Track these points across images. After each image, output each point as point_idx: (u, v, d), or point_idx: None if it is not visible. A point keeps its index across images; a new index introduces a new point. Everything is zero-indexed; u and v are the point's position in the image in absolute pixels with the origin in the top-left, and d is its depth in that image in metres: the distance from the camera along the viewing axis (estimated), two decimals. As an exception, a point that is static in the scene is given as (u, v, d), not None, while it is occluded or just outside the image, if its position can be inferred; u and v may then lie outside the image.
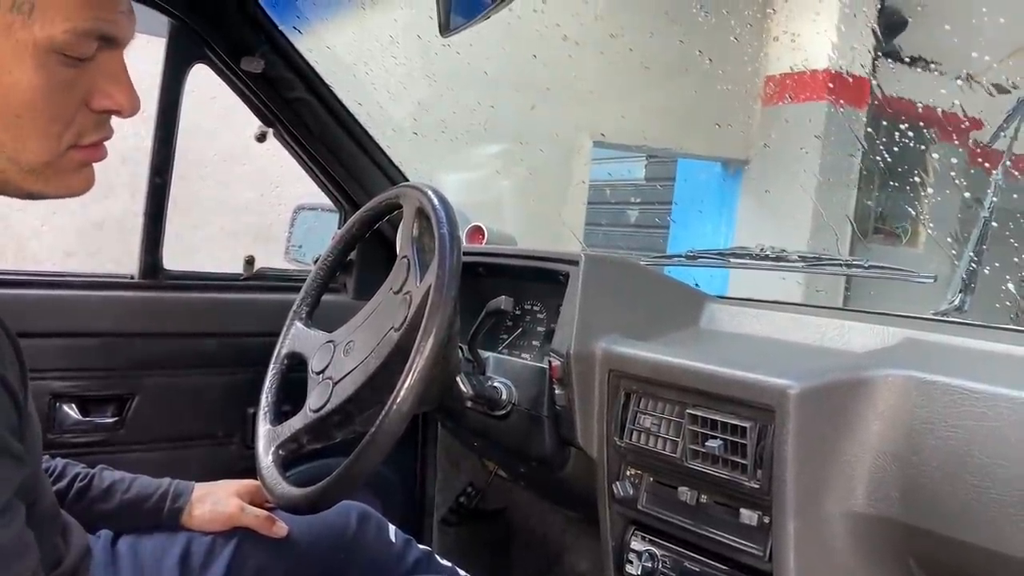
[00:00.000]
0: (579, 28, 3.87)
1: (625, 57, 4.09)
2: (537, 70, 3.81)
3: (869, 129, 4.76)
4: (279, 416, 1.22)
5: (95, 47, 0.71)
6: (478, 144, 4.09)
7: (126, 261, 1.70)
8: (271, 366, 1.28)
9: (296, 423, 1.15)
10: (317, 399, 1.14)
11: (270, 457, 1.15)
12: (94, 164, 0.76)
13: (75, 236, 4.29)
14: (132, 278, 1.59)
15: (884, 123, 4.41)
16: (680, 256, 1.54)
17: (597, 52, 4.04)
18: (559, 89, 4.07)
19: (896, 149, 4.24)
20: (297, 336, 1.30)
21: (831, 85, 4.65)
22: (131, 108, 0.74)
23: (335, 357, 1.18)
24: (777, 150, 4.92)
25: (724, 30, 4.33)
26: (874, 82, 4.64)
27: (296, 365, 1.26)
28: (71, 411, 1.49)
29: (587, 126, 4.62)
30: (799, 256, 1.36)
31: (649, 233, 6.22)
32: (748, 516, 0.99)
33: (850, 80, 4.71)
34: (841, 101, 4.66)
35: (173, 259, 1.63)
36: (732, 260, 1.45)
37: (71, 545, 0.96)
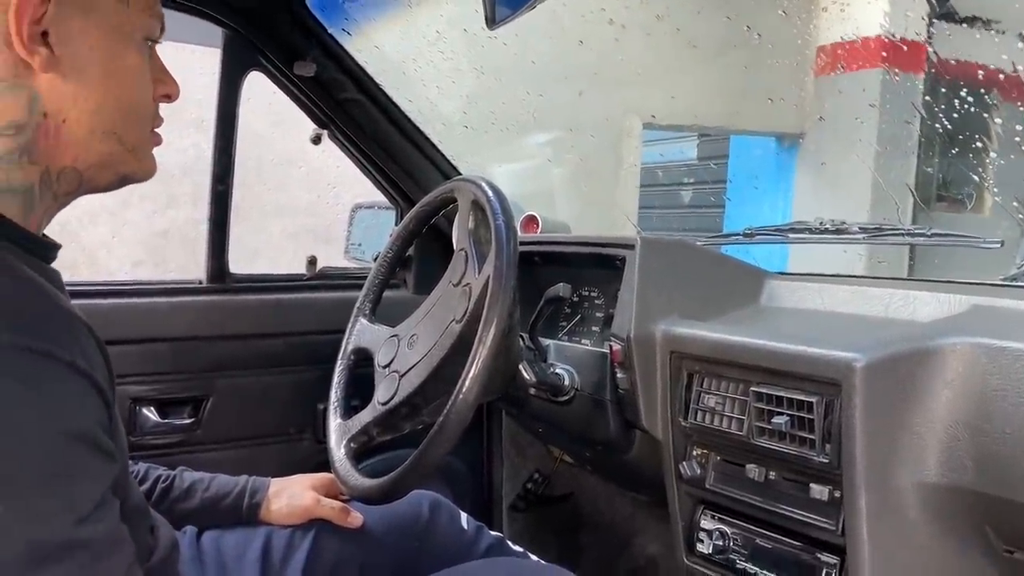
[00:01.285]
0: (624, 11, 3.84)
1: (672, 37, 4.04)
2: (584, 56, 3.80)
3: (927, 97, 4.62)
4: (349, 410, 1.25)
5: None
6: (528, 134, 4.09)
7: (191, 267, 1.75)
8: (338, 362, 1.32)
9: (366, 416, 1.18)
10: (384, 392, 1.17)
11: (342, 450, 1.18)
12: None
13: (142, 246, 4.44)
14: (201, 283, 1.64)
15: (943, 88, 4.27)
16: (737, 234, 1.52)
17: (644, 34, 4.01)
18: (607, 74, 4.05)
19: (956, 114, 4.11)
20: (362, 332, 1.32)
21: (885, 53, 4.53)
22: (178, 93, 0.84)
23: (400, 351, 1.20)
24: (833, 121, 4.81)
25: (772, 4, 4.24)
26: (930, 47, 4.50)
27: (362, 360, 1.29)
28: (150, 414, 1.55)
29: (637, 109, 4.58)
30: (859, 228, 1.34)
31: (704, 213, 6.15)
32: (818, 491, 0.99)
33: (905, 46, 4.57)
34: (896, 68, 4.53)
35: (237, 263, 1.67)
36: (791, 235, 1.43)
37: (160, 539, 1.00)
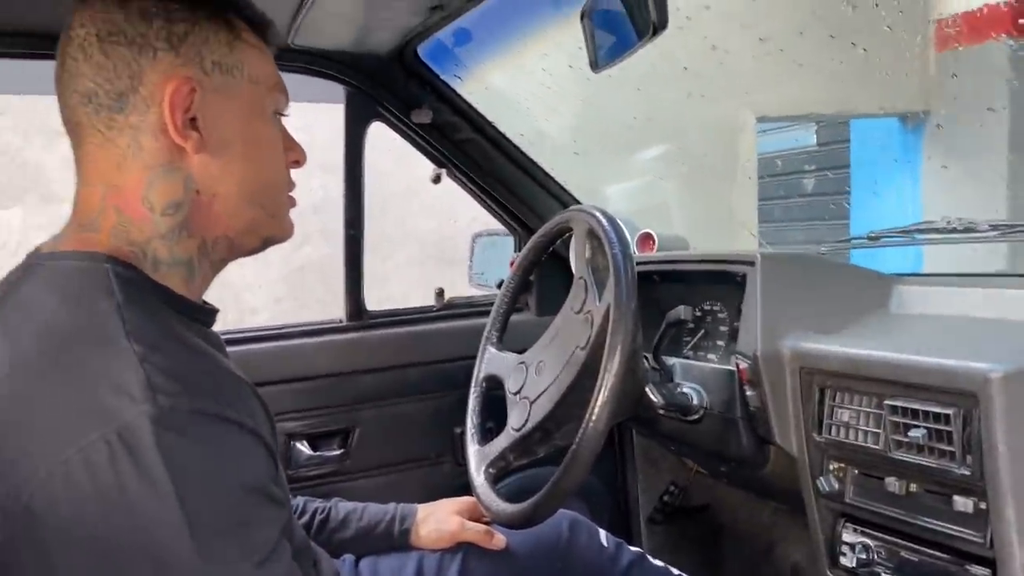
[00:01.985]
0: (726, 38, 3.80)
1: (776, 58, 3.97)
2: (689, 80, 3.80)
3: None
4: (485, 435, 1.31)
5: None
6: (637, 153, 4.11)
7: (328, 299, 1.87)
8: (472, 390, 1.38)
9: (501, 442, 1.24)
10: (517, 419, 1.22)
11: (482, 476, 1.24)
12: None
13: (282, 283, 4.73)
14: (341, 322, 1.75)
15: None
16: (861, 238, 1.49)
17: (748, 56, 3.95)
18: (713, 93, 4.03)
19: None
20: (491, 360, 1.39)
21: (1014, 18, 4.23)
22: (305, 159, 0.93)
23: (528, 377, 1.25)
24: (959, 96, 4.54)
25: (877, 19, 4.06)
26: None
27: (494, 387, 1.35)
28: (304, 448, 1.67)
29: (749, 105, 4.51)
30: (990, 225, 1.29)
31: (828, 200, 5.91)
32: (962, 503, 0.97)
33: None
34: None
35: (370, 290, 1.77)
36: (917, 236, 1.39)
37: (322, 573, 1.09)
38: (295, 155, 0.91)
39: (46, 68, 0.87)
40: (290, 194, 0.92)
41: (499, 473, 1.24)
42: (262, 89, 0.86)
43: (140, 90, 0.78)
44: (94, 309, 0.74)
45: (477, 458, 1.27)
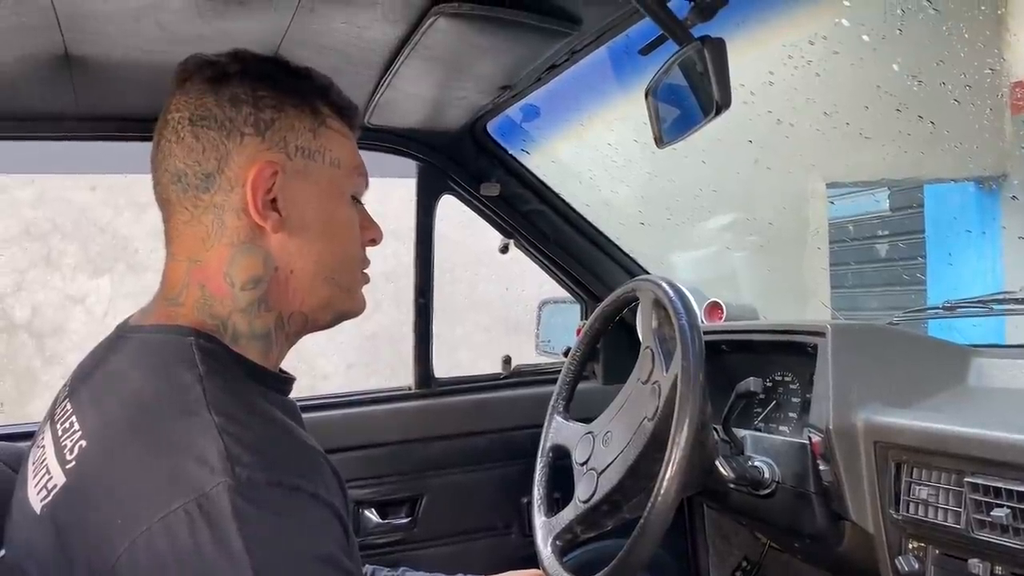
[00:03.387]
0: (792, 111, 3.83)
1: (843, 130, 3.97)
2: (755, 151, 3.82)
3: None
4: (552, 506, 1.31)
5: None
6: (705, 222, 4.12)
7: (398, 366, 1.90)
8: (538, 460, 1.38)
9: (568, 514, 1.23)
10: (584, 490, 1.21)
11: (549, 548, 1.23)
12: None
13: (353, 349, 4.83)
14: (409, 389, 1.78)
15: None
16: (937, 308, 1.46)
17: (814, 129, 3.96)
18: (780, 162, 4.04)
19: None
20: (558, 430, 1.39)
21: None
22: (382, 238, 0.95)
23: (595, 448, 1.24)
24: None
25: (945, 92, 4.03)
26: None
27: (560, 456, 1.35)
28: (371, 515, 1.68)
29: (819, 171, 4.48)
30: (1074, 295, 1.25)
31: (902, 266, 5.77)
32: (1053, 589, 0.92)
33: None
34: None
35: (437, 358, 1.79)
36: (995, 307, 1.35)
37: (390, 640, 1.09)
38: (372, 233, 0.94)
39: (136, 148, 0.92)
40: (364, 271, 0.94)
41: (566, 546, 1.23)
42: (342, 173, 0.89)
43: (226, 171, 0.82)
44: (177, 380, 0.77)
45: (544, 530, 1.27)
